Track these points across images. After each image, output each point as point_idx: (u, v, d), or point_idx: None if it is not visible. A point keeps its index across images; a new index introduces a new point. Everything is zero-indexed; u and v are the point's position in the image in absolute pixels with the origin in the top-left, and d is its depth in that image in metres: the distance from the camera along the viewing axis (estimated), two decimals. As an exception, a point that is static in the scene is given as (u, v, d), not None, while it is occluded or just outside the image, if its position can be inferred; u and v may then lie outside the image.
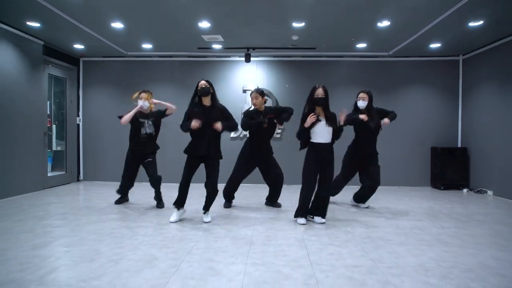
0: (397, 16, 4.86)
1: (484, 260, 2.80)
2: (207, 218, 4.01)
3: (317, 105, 3.77)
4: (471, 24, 5.04)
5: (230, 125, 4.01)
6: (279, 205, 4.88)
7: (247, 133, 4.92)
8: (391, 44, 6.26)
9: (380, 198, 5.45)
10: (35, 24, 5.30)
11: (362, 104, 4.49)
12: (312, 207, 3.99)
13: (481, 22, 4.96)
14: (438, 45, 6.21)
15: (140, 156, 4.71)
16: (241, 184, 4.85)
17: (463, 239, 3.39)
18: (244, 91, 7.08)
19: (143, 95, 4.65)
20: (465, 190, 6.43)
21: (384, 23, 5.12)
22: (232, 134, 7.00)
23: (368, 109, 4.48)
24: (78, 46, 6.56)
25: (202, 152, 3.85)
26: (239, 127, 4.41)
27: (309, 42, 6.18)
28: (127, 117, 4.57)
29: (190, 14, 4.88)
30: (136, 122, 4.65)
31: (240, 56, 7.02)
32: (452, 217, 4.33)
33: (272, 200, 4.91)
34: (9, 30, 5.37)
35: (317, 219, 3.96)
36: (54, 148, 7.20)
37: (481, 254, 2.96)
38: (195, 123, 3.75)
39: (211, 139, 3.86)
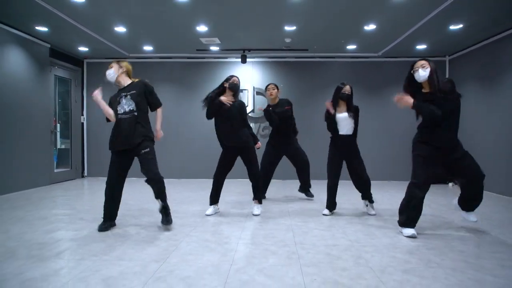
0: (382, 21, 5.21)
1: (451, 241, 3.15)
2: (257, 210, 4.16)
3: (341, 99, 4.10)
4: (452, 27, 5.39)
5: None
6: (311, 195, 5.16)
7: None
8: (379, 46, 6.61)
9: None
10: (43, 29, 5.66)
11: (422, 73, 3.23)
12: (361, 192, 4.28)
13: (461, 26, 5.31)
14: (424, 47, 6.56)
15: (127, 151, 3.44)
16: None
17: (436, 224, 3.74)
18: (241, 90, 7.42)
19: (112, 65, 3.60)
20: (450, 184, 6.79)
21: (371, 27, 5.47)
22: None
23: (432, 80, 3.23)
24: (83, 49, 6.91)
25: (235, 143, 4.00)
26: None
27: (302, 44, 6.53)
28: (104, 110, 3.50)
29: (188, 18, 5.23)
30: (112, 104, 3.54)
31: (236, 57, 7.37)
32: (431, 207, 4.68)
33: (305, 188, 5.20)
34: (18, 34, 5.73)
35: (369, 209, 4.25)
36: (58, 146, 7.55)
37: (448, 235, 3.31)
38: (225, 99, 3.94)
39: (238, 130, 4.01)
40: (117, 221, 3.68)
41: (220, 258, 2.66)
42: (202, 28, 5.65)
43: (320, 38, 6.15)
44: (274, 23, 5.40)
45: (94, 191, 5.96)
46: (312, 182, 5.32)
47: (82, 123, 7.76)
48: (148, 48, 6.93)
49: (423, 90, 3.38)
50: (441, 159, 3.32)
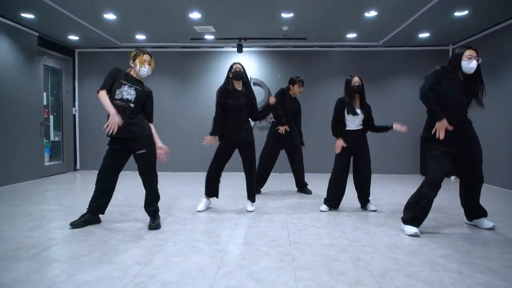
0: (383, 6, 4.96)
1: (455, 239, 2.96)
2: (251, 206, 3.99)
3: (355, 93, 3.85)
4: (457, 13, 5.14)
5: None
6: (309, 192, 4.97)
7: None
8: (380, 34, 6.35)
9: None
10: (29, 16, 5.41)
11: (473, 65, 3.01)
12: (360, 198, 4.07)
13: (466, 12, 5.05)
14: (427, 35, 6.31)
15: (125, 146, 3.20)
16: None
17: (439, 220, 3.55)
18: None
19: (148, 57, 3.32)
20: (453, 178, 6.60)
21: (372, 13, 5.22)
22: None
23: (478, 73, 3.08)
24: (73, 37, 6.66)
25: (240, 138, 3.82)
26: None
27: (300, 32, 6.28)
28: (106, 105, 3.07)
29: (180, 5, 4.98)
30: (115, 84, 3.19)
31: (232, 47, 7.13)
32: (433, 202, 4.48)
33: (302, 186, 5.03)
34: (4, 21, 5.48)
35: (369, 205, 4.03)
36: (52, 138, 7.36)
37: (453, 234, 3.12)
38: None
39: (245, 124, 3.86)
40: (103, 217, 3.50)
41: (208, 260, 2.47)
42: (195, 15, 5.39)
43: (319, 25, 5.89)
44: (270, 9, 5.14)
45: (86, 185, 5.77)
46: (310, 176, 5.13)
47: (74, 115, 7.54)
48: (140, 37, 6.68)
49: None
50: (455, 146, 3.07)
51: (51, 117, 7.25)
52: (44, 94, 6.88)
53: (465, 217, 3.44)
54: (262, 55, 7.30)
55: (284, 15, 5.33)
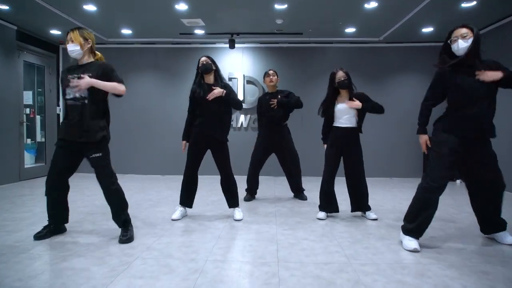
0: (385, -3, 4.57)
1: (469, 256, 2.56)
2: (239, 214, 3.59)
3: (341, 88, 3.52)
4: (464, 5, 4.75)
5: (235, 96, 3.51)
6: (304, 198, 4.59)
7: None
8: (381, 29, 5.96)
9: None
10: (3, 7, 5.01)
11: (463, 45, 2.61)
12: (354, 204, 3.71)
13: (474, 2, 4.67)
14: (431, 29, 5.92)
15: (72, 147, 2.81)
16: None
17: (448, 232, 3.15)
18: (230, 79, 6.79)
19: (69, 35, 2.81)
20: (458, 181, 6.20)
21: (372, 4, 4.83)
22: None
23: (476, 51, 2.63)
24: (55, 32, 6.26)
25: (207, 132, 3.42)
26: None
27: (295, 27, 5.89)
28: (106, 87, 2.78)
29: (164, -6, 4.59)
30: (63, 82, 2.85)
31: (224, 43, 6.72)
32: (439, 210, 4.08)
33: (297, 191, 4.66)
34: (-24, 13, 5.10)
35: (369, 214, 3.65)
36: (38, 139, 6.98)
37: (465, 249, 2.72)
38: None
39: (217, 120, 3.45)
40: (71, 227, 3.11)
41: (178, 284, 2.07)
42: (181, 7, 4.99)
43: (315, 18, 5.49)
44: (262, 0, 4.75)
45: (64, 189, 5.36)
46: (307, 179, 4.73)
47: (58, 114, 7.14)
48: (126, 31, 6.28)
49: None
50: (463, 156, 2.67)
51: (38, 117, 6.88)
52: (30, 92, 6.51)
53: (479, 228, 3.02)
54: (256, 52, 6.91)
55: (278, 6, 4.94)
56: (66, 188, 2.98)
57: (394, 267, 2.35)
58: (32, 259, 2.44)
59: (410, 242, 2.68)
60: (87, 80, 2.66)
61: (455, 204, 4.33)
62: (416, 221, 2.70)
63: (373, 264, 2.39)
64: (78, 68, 2.81)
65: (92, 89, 2.73)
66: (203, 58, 3.50)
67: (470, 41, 2.60)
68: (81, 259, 2.45)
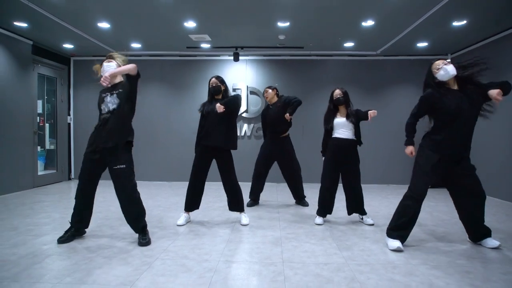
0: (381, 16, 4.89)
1: (455, 257, 2.85)
2: (245, 219, 3.87)
3: (338, 104, 3.90)
4: (455, 23, 5.07)
5: (230, 100, 3.70)
6: (306, 204, 4.87)
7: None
8: (378, 43, 6.29)
9: (365, 196, 5.49)
10: (22, 25, 5.34)
11: (451, 68, 2.94)
12: (350, 208, 4.02)
13: (465, 22, 4.99)
14: (425, 44, 6.24)
15: (102, 156, 3.12)
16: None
17: (437, 235, 3.44)
18: (234, 89, 7.11)
19: (112, 58, 3.34)
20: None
21: (369, 23, 5.15)
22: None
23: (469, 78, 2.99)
24: (68, 46, 6.59)
25: (211, 142, 3.68)
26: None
27: (296, 41, 6.21)
28: (123, 70, 3.15)
29: (175, 13, 4.91)
30: (98, 101, 3.26)
31: (229, 55, 7.05)
32: (432, 215, 4.38)
33: (299, 197, 4.93)
34: (-3, 30, 5.42)
35: (366, 219, 3.94)
36: (47, 147, 7.26)
37: (452, 252, 3.01)
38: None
39: (224, 129, 3.69)
40: (91, 232, 3.39)
41: (196, 281, 2.36)
42: (190, 24, 5.33)
43: (316, 35, 5.82)
44: (265, 19, 5.07)
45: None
46: (308, 186, 5.03)
47: (69, 124, 7.45)
48: (136, 45, 6.61)
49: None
50: (446, 170, 3.01)
51: (47, 125, 7.17)
52: (40, 102, 6.80)
53: (468, 237, 3.29)
54: (259, 64, 7.23)
55: (281, 24, 5.26)
56: (94, 193, 3.30)
57: (386, 267, 2.64)
58: (62, 260, 2.72)
59: (394, 242, 3.01)
60: (109, 71, 3.04)
61: (447, 211, 4.62)
62: (397, 224, 3.05)
63: (367, 264, 2.68)
64: (111, 87, 3.19)
65: (120, 103, 3.10)
66: (213, 80, 3.83)
67: (451, 65, 2.93)
68: (106, 260, 2.74)
